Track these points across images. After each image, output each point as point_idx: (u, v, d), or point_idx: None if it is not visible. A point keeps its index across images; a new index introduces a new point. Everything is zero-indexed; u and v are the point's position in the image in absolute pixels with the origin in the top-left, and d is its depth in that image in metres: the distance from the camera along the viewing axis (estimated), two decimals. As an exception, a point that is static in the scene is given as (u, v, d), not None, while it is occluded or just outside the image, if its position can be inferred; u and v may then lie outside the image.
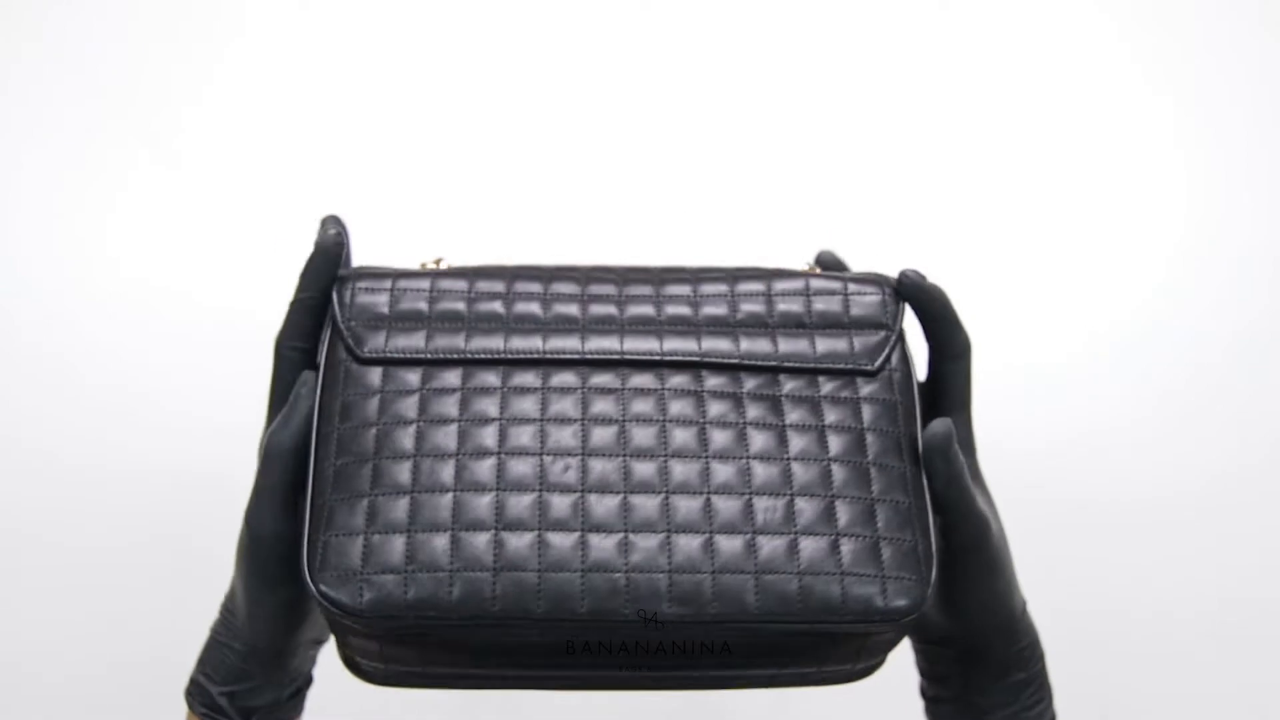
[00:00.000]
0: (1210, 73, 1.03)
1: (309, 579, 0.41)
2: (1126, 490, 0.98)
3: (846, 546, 0.41)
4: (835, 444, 0.44)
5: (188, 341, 0.97)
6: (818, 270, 0.52)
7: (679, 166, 1.01)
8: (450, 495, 0.41)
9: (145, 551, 0.94)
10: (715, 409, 0.43)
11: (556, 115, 1.02)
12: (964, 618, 0.50)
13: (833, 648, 0.44)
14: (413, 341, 0.46)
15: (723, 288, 0.48)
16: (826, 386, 0.46)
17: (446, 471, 0.41)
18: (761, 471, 0.42)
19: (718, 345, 0.45)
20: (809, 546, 0.41)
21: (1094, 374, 1.00)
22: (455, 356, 0.45)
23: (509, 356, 0.45)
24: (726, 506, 0.41)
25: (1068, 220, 1.02)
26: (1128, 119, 1.02)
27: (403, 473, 0.42)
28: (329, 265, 0.52)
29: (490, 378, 0.44)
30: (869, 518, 0.42)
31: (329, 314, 0.49)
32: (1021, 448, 0.98)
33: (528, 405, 0.43)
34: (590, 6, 1.03)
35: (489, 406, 0.43)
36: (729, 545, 0.41)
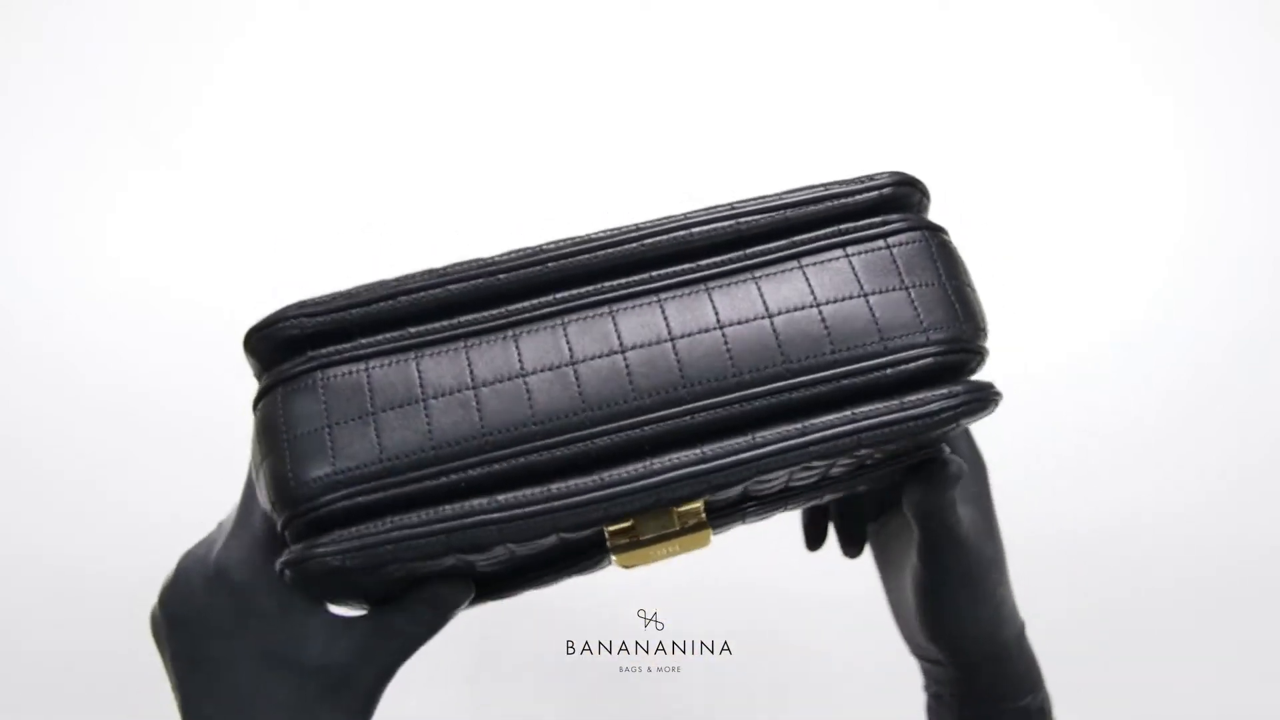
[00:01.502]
0: (1210, 73, 1.03)
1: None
2: (1127, 492, 0.98)
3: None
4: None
5: (188, 341, 0.98)
6: None
7: (676, 166, 1.01)
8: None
9: (143, 552, 0.94)
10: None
11: (558, 116, 1.02)
12: (950, 644, 0.48)
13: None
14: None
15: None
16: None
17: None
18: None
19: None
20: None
21: (1094, 375, 1.00)
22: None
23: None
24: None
25: (1067, 221, 1.02)
26: (1128, 119, 1.02)
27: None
28: None
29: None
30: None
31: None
32: (1021, 450, 0.98)
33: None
34: (590, 6, 1.03)
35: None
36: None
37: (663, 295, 0.38)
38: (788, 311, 0.38)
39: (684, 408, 0.36)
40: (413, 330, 0.38)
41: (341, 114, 1.01)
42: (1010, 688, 0.49)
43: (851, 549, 0.56)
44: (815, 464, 0.38)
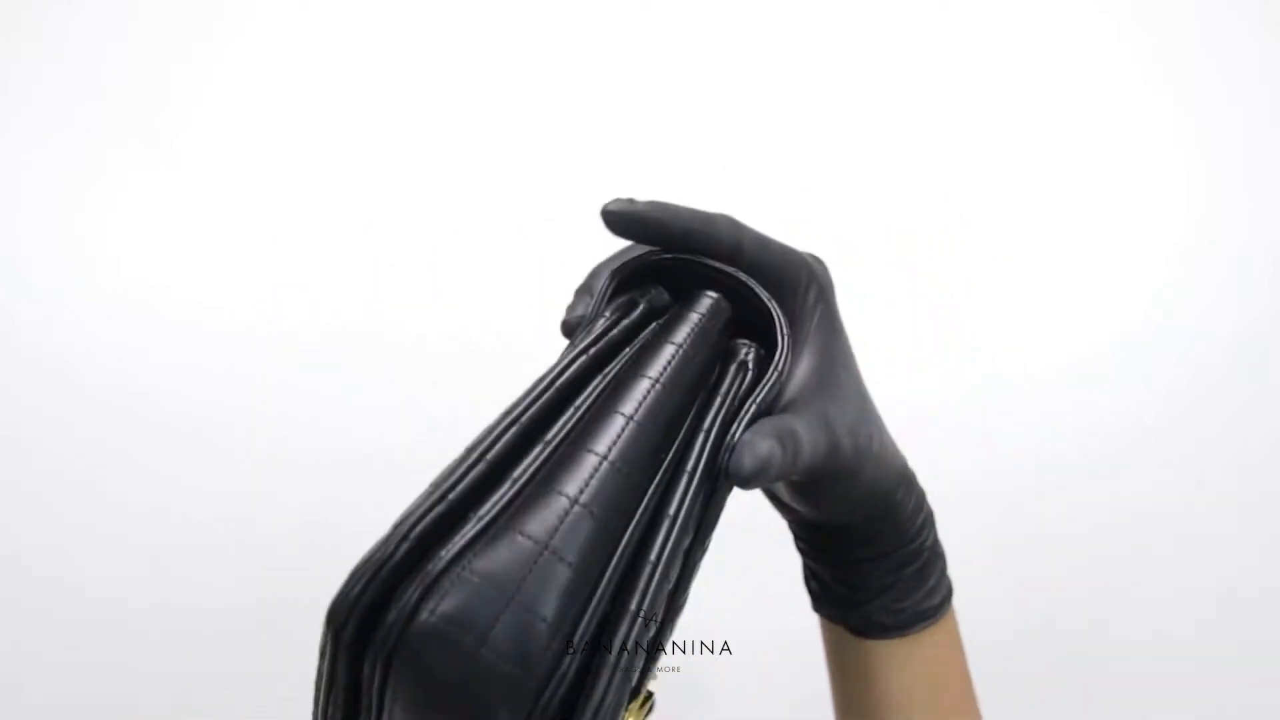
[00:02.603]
0: (1210, 73, 1.03)
1: None
2: (1127, 491, 0.98)
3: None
4: None
5: (188, 341, 0.98)
6: None
7: (676, 165, 1.01)
8: None
9: (141, 549, 0.94)
10: None
11: (558, 115, 1.02)
12: (834, 513, 0.43)
13: None
14: None
15: None
16: None
17: None
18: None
19: None
20: None
21: (1094, 375, 1.00)
22: None
23: None
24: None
25: (1068, 221, 1.02)
26: (1128, 119, 1.02)
27: None
28: None
29: None
30: None
31: None
32: (1023, 450, 0.98)
33: None
34: (590, 6, 1.03)
35: None
36: None
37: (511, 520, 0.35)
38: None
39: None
40: None
41: (341, 114, 1.01)
42: (905, 532, 0.45)
43: None
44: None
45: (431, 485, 0.36)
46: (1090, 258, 1.01)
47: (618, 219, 0.38)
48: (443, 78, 1.02)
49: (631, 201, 0.38)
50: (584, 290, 0.40)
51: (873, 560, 0.45)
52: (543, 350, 1.00)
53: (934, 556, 0.46)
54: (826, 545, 0.46)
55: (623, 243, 0.41)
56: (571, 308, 0.40)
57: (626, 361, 0.38)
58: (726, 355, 0.39)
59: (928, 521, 0.46)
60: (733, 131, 1.02)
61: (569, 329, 0.39)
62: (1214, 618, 0.97)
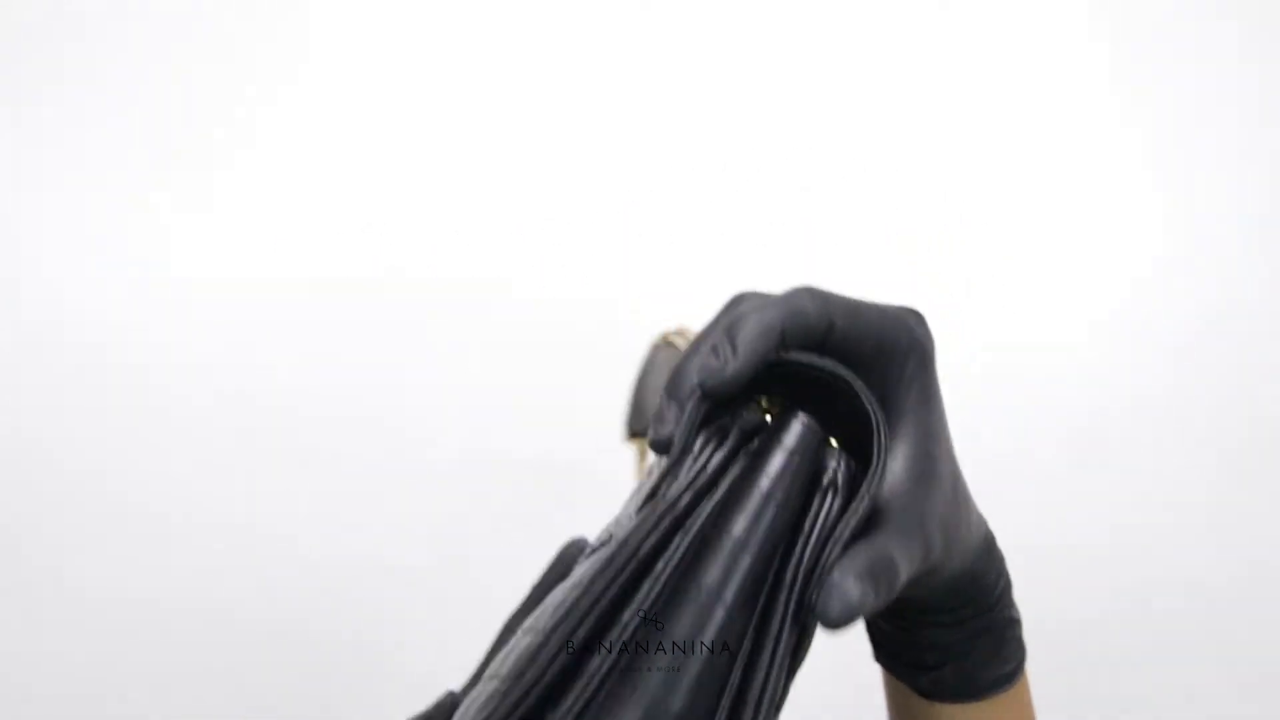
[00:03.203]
0: (1210, 74, 1.03)
1: None
2: (1128, 491, 0.98)
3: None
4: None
5: (190, 341, 0.98)
6: None
7: (674, 164, 1.01)
8: None
9: (140, 549, 0.94)
10: None
11: (558, 116, 1.02)
12: (910, 595, 0.40)
13: None
14: None
15: None
16: None
17: None
18: None
19: None
20: None
21: (1095, 375, 1.00)
22: None
23: None
24: None
25: (1068, 222, 1.02)
26: (1127, 120, 1.03)
27: None
28: None
29: None
30: None
31: None
32: (1023, 450, 0.98)
33: None
34: (590, 7, 1.03)
35: None
36: None
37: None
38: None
39: None
40: None
41: (341, 115, 1.01)
42: (986, 608, 0.43)
43: None
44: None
45: (511, 678, 0.33)
46: (1091, 258, 1.01)
47: (715, 391, 0.35)
48: (442, 79, 1.02)
49: (722, 367, 0.34)
50: (672, 395, 0.36)
51: (946, 626, 0.43)
52: (543, 351, 1.00)
53: (1010, 623, 0.44)
54: (894, 609, 0.42)
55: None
56: (661, 421, 0.36)
57: (710, 517, 0.35)
58: (814, 475, 0.36)
59: (1007, 588, 0.44)
60: (733, 131, 1.02)
61: (660, 447, 0.36)
62: (1215, 617, 0.97)
